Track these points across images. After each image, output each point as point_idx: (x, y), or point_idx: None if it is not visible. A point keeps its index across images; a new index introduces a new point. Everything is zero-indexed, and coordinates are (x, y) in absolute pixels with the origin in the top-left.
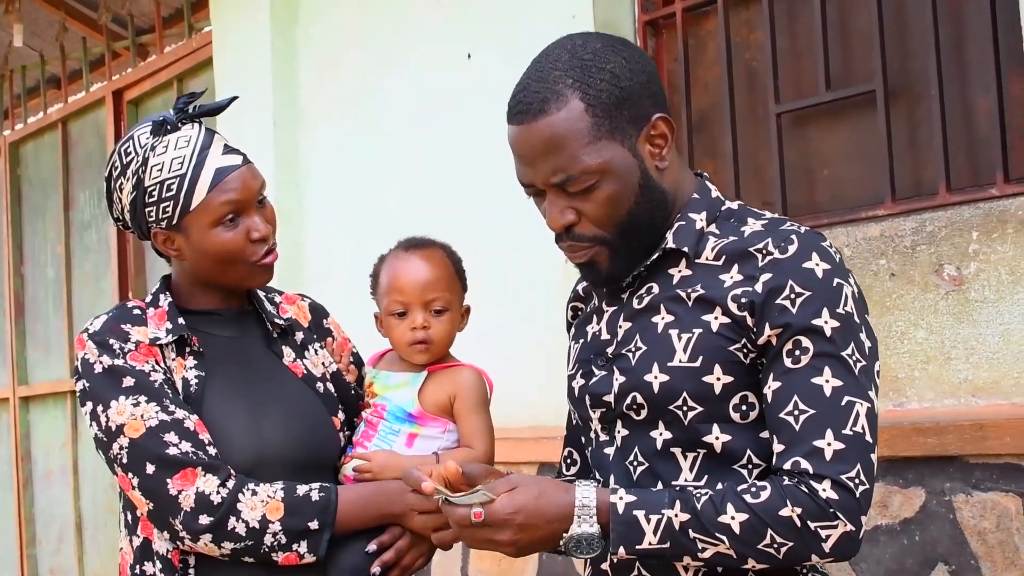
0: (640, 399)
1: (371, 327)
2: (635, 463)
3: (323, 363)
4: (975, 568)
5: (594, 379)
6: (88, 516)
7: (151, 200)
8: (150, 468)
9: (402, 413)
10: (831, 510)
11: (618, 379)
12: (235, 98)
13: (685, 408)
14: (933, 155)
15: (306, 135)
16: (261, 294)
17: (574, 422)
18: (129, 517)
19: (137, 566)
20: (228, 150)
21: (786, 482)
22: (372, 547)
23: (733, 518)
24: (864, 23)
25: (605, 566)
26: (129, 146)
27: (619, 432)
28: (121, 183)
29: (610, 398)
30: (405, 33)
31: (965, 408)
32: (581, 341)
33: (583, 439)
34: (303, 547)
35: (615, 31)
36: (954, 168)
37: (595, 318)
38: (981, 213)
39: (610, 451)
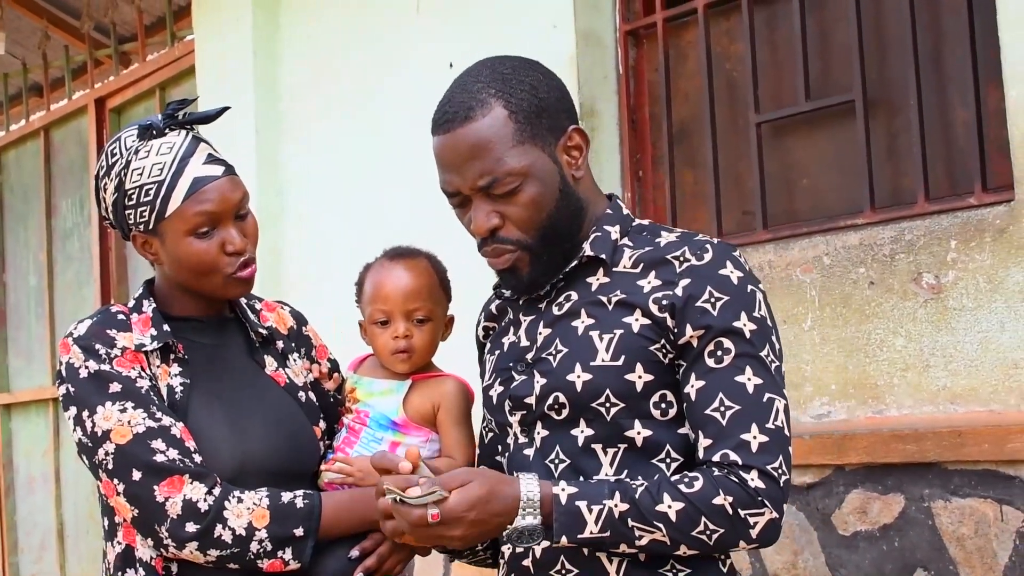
0: (562, 399)
1: (352, 333)
2: (556, 461)
3: (303, 372)
4: (954, 573)
5: (514, 384)
6: (70, 524)
7: (130, 203)
8: (136, 475)
9: (386, 421)
10: (759, 498)
11: (539, 381)
12: (226, 108)
13: (608, 405)
14: (912, 165)
15: (288, 142)
16: (243, 301)
17: (487, 437)
18: (106, 523)
19: (119, 573)
20: (211, 160)
21: (716, 473)
22: (355, 553)
23: (670, 507)
24: (843, 34)
25: (527, 563)
26: (116, 147)
27: (539, 433)
28: (105, 183)
29: (531, 400)
30: (387, 41)
31: (944, 415)
32: (497, 352)
33: (499, 447)
34: (288, 554)
35: (596, 40)
36: (933, 177)
37: (512, 329)
38: (959, 222)
39: (530, 452)
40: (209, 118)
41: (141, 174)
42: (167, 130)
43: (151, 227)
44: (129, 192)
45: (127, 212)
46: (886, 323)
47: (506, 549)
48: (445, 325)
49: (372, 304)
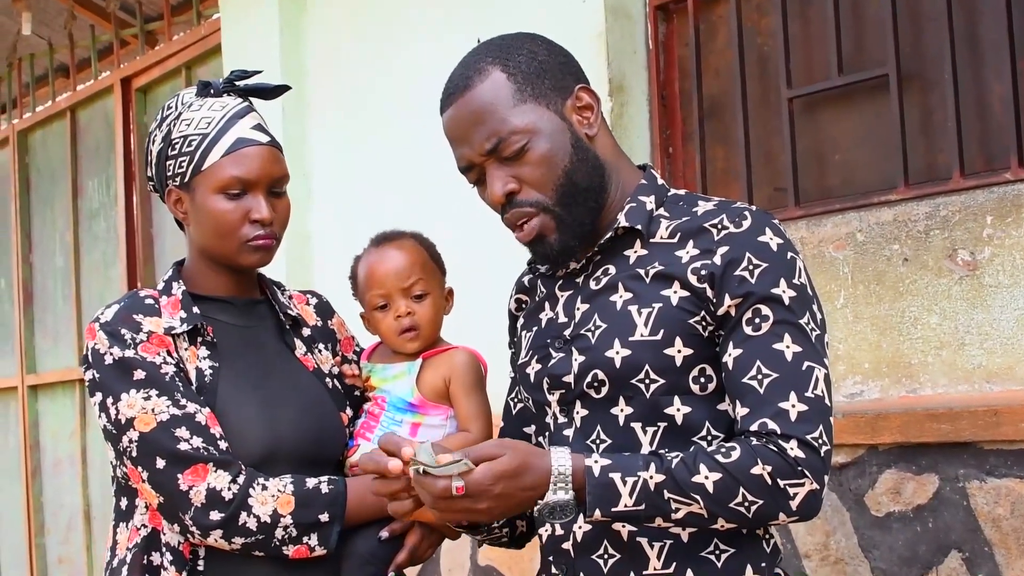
0: (601, 376)
1: None
2: (597, 441)
3: (328, 361)
4: (989, 555)
5: (552, 361)
6: (96, 505)
7: (173, 153)
8: (160, 463)
9: (403, 403)
10: (799, 468)
11: (577, 359)
12: (287, 88)
13: (647, 381)
14: (947, 140)
15: (314, 122)
16: (273, 285)
17: (515, 410)
18: (124, 504)
19: (144, 556)
20: (259, 128)
21: (754, 442)
22: (384, 533)
23: (707, 477)
24: (877, 7)
25: (567, 545)
26: (174, 102)
27: (578, 412)
28: (155, 134)
29: (569, 378)
30: (413, 20)
31: (979, 394)
32: (535, 328)
33: (531, 420)
34: (314, 540)
35: (625, 16)
36: (968, 153)
37: (547, 305)
38: (995, 197)
39: (569, 432)
40: (267, 91)
41: (189, 125)
42: (225, 94)
43: (186, 180)
44: (174, 141)
45: (168, 163)
46: (920, 300)
47: (543, 532)
48: (445, 298)
49: (368, 291)
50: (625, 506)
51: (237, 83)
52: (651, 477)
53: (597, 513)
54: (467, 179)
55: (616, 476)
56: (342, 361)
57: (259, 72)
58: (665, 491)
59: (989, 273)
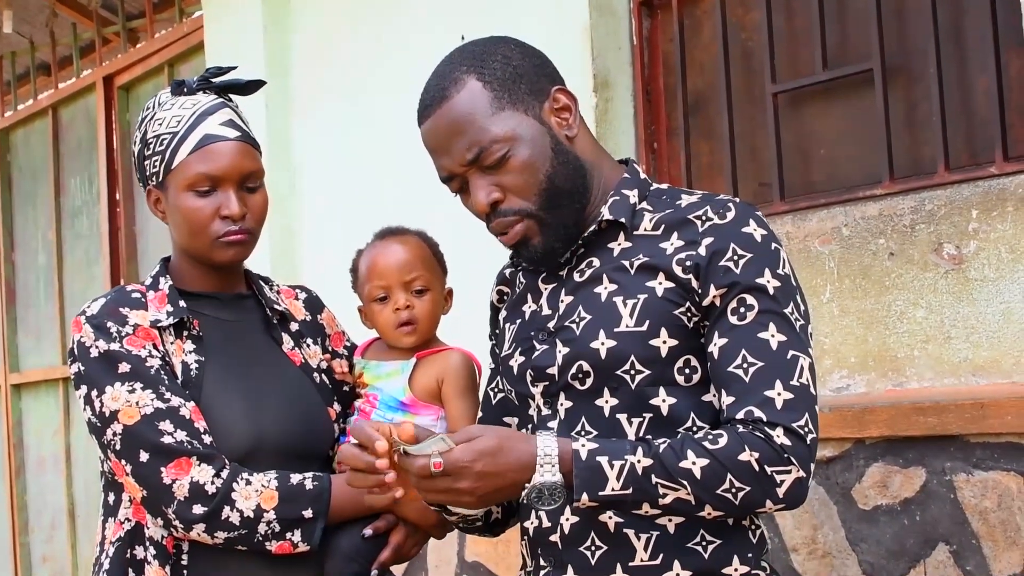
0: (586, 367)
1: None
2: (582, 433)
3: (317, 356)
4: (976, 548)
5: (536, 353)
6: (81, 503)
7: (148, 153)
8: (144, 456)
9: (394, 402)
10: (785, 455)
11: (561, 350)
12: (263, 83)
13: (633, 372)
14: (932, 134)
15: (298, 120)
16: (260, 280)
17: (494, 400)
18: (112, 499)
19: (127, 550)
20: (231, 124)
21: (741, 429)
22: (368, 531)
23: (694, 463)
24: (861, 1)
25: (555, 538)
26: (152, 102)
27: (562, 404)
28: (136, 135)
29: (553, 370)
30: (398, 16)
31: (965, 387)
32: (518, 321)
33: (518, 418)
34: (297, 536)
35: (610, 12)
36: (953, 147)
37: (531, 297)
38: (980, 191)
39: (554, 424)
40: (241, 86)
41: (161, 124)
42: (200, 91)
43: (160, 179)
44: (149, 141)
45: (145, 163)
46: (906, 295)
47: (529, 525)
48: (445, 298)
49: (369, 282)
50: (612, 490)
51: (212, 80)
52: (638, 461)
53: (585, 497)
54: (449, 188)
55: (603, 460)
56: (331, 356)
57: (234, 68)
58: (652, 475)
59: (975, 267)
